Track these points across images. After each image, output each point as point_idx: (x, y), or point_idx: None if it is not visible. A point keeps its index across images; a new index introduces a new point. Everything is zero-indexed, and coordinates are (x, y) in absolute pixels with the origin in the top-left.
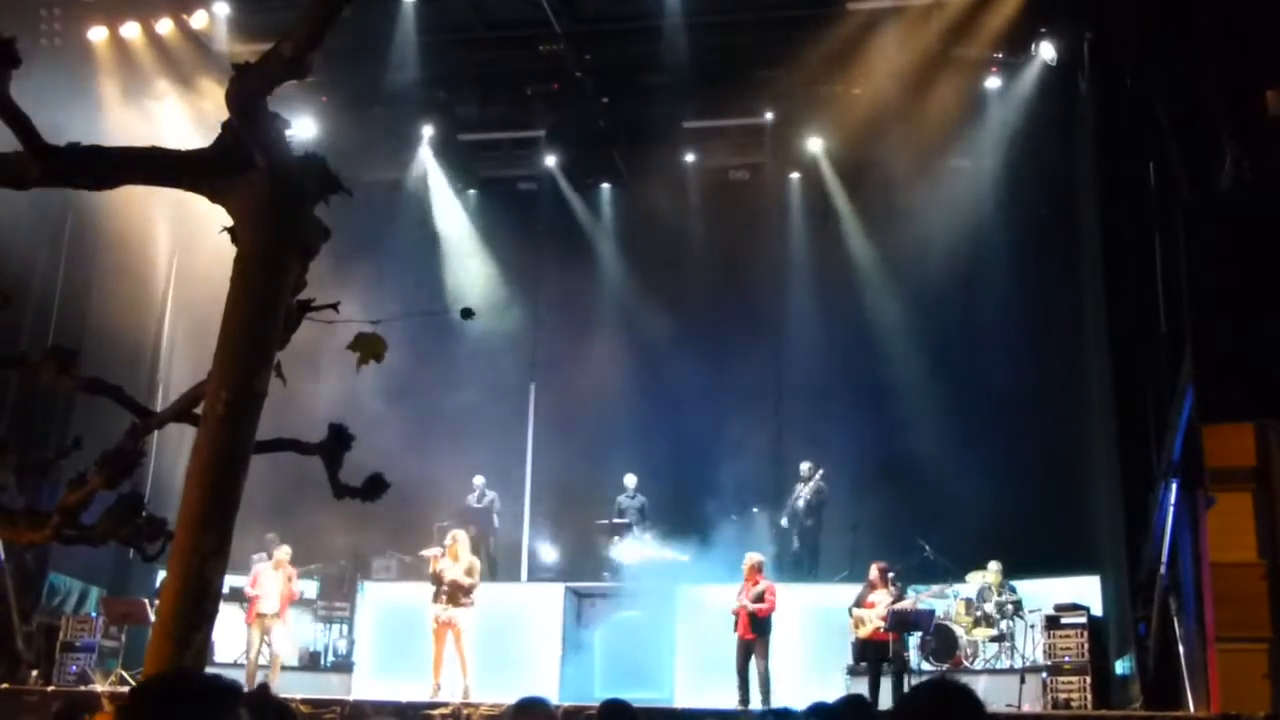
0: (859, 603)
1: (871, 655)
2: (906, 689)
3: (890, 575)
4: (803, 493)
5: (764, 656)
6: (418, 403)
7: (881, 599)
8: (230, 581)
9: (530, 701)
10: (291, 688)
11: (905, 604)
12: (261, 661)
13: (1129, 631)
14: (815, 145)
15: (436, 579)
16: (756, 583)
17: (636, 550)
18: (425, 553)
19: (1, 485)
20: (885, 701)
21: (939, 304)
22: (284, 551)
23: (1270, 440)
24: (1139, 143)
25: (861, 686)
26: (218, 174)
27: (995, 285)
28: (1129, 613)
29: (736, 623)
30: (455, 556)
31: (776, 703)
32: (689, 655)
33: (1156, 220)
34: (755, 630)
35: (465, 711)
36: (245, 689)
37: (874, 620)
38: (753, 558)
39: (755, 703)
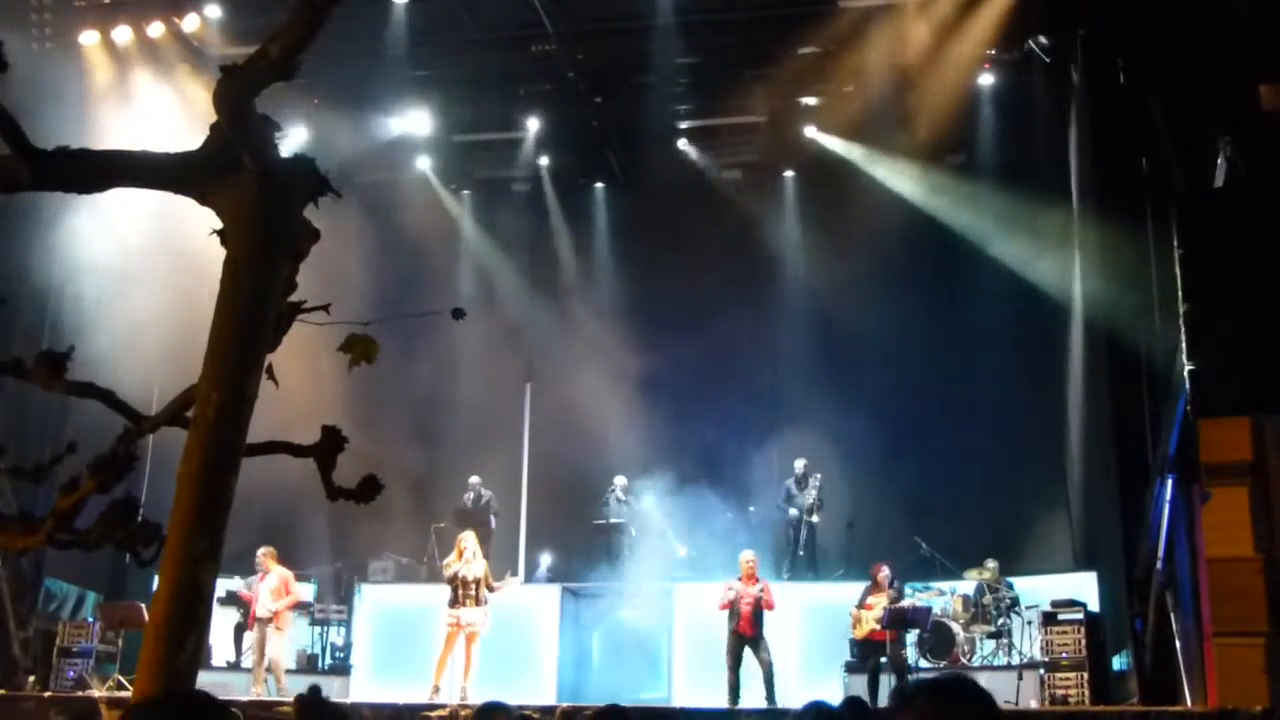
0: (861, 604)
1: (870, 654)
2: (904, 686)
3: (888, 577)
4: (809, 492)
5: (767, 650)
6: (412, 404)
7: (881, 601)
8: (225, 585)
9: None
10: (289, 690)
11: (903, 602)
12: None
13: (1126, 627)
14: (809, 143)
15: (458, 582)
16: (755, 580)
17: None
18: (446, 561)
19: None
20: (884, 700)
21: (934, 300)
22: (265, 550)
23: (1266, 434)
24: (1133, 137)
25: (860, 684)
26: (206, 176)
27: (990, 281)
28: (1126, 609)
29: (738, 620)
30: (465, 556)
31: (775, 700)
32: (686, 654)
33: (1151, 214)
34: (758, 626)
35: (462, 714)
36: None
37: (871, 621)
38: (751, 556)
39: (758, 695)
